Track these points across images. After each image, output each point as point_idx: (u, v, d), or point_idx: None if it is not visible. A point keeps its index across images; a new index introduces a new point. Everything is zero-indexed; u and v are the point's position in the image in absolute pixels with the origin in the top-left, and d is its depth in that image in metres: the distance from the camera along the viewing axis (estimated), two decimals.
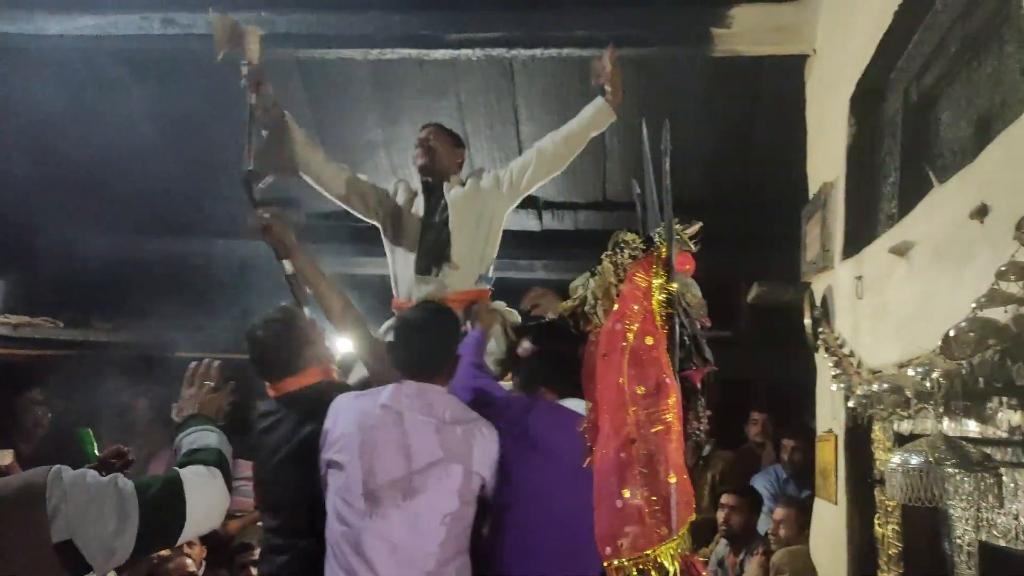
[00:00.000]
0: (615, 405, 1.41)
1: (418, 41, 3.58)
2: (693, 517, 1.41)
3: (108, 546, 1.46)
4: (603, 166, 4.75)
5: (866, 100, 2.94)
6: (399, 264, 2.95)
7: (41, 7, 3.62)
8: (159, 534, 1.58)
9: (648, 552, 1.35)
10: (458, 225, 2.88)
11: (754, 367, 4.90)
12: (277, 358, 2.29)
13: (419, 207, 2.97)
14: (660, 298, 1.50)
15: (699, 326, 1.61)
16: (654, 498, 1.36)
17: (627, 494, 1.36)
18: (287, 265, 2.58)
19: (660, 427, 1.38)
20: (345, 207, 2.97)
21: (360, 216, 3.00)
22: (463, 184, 3.01)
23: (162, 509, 1.57)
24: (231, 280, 5.03)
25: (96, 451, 1.91)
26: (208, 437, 1.84)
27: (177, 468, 1.68)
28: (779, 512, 3.53)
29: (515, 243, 5.27)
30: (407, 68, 4.20)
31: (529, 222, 5.20)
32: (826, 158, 3.27)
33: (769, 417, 4.53)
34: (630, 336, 1.44)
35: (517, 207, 5.09)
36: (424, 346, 2.22)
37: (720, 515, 3.73)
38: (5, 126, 4.34)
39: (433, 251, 2.87)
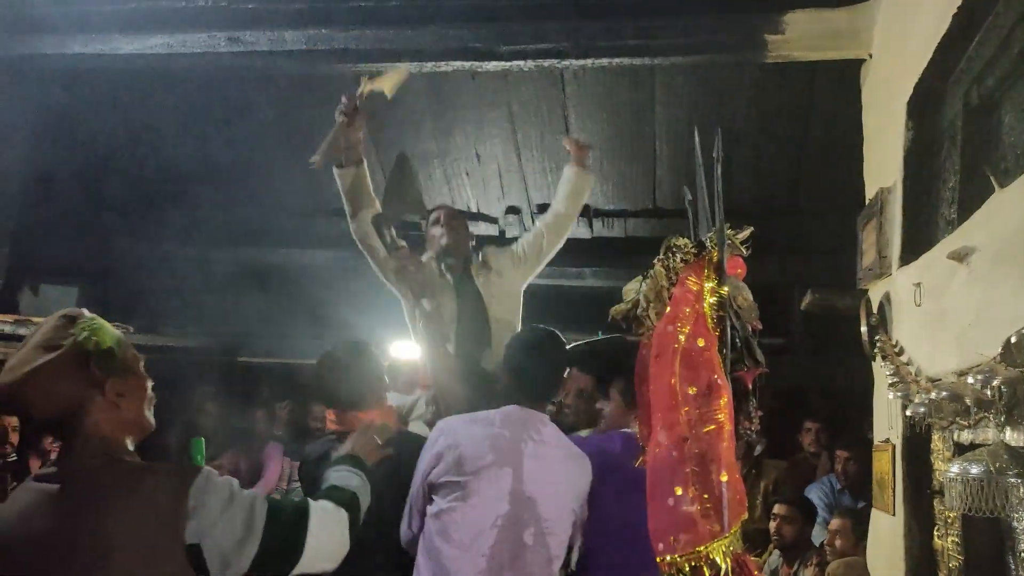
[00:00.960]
0: (667, 405, 1.44)
1: (470, 54, 3.64)
2: (745, 516, 1.43)
3: (228, 558, 1.47)
4: (653, 173, 4.76)
5: (924, 104, 2.89)
6: (428, 340, 3.03)
7: (114, 28, 3.81)
8: (276, 558, 1.56)
9: (700, 548, 1.37)
10: (495, 313, 3.04)
11: (808, 375, 4.83)
12: (351, 390, 2.35)
13: (447, 290, 3.07)
14: (711, 301, 1.52)
15: (750, 329, 1.62)
16: (706, 496, 1.38)
17: (679, 492, 1.38)
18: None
19: (712, 427, 1.40)
20: (378, 269, 3.13)
21: (379, 272, 3.13)
22: (486, 267, 3.15)
23: (285, 535, 1.56)
24: (296, 289, 5.19)
25: (203, 460, 2.00)
26: (352, 480, 1.84)
27: (310, 499, 1.69)
28: (835, 522, 3.47)
29: (565, 251, 5.31)
30: (460, 80, 4.29)
31: (580, 230, 5.23)
32: (883, 163, 3.22)
33: (823, 426, 4.45)
34: (682, 338, 1.47)
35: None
36: (541, 371, 2.26)
37: (773, 525, 3.70)
38: (84, 141, 4.57)
39: (473, 337, 2.99)
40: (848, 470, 3.97)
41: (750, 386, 1.60)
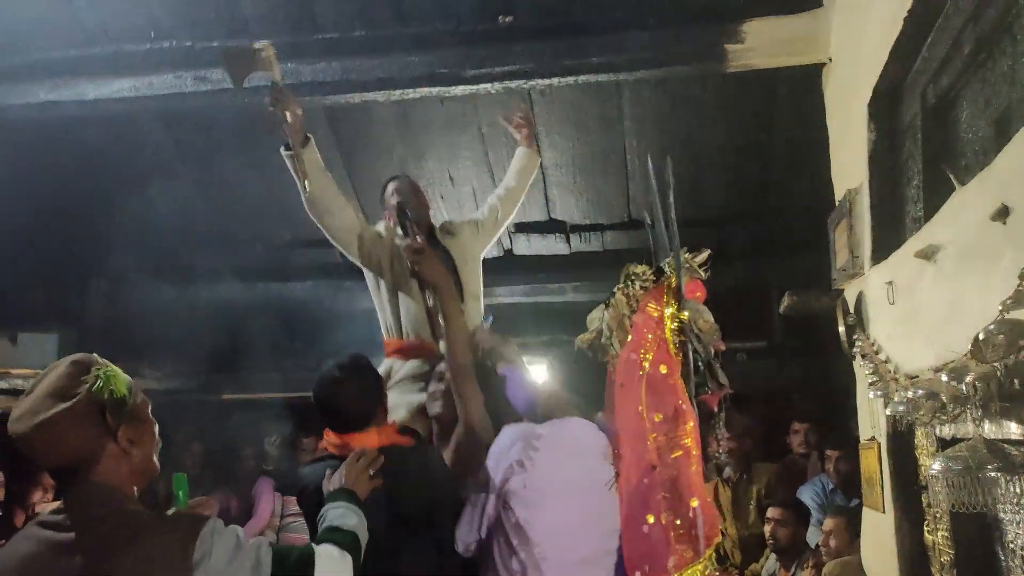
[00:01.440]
0: (635, 433, 1.45)
1: (437, 79, 3.67)
2: (719, 539, 1.44)
3: None
4: (626, 186, 4.80)
5: (884, 105, 2.95)
6: (403, 305, 3.06)
7: (80, 74, 3.80)
8: None
9: (675, 575, 1.38)
10: (463, 269, 3.16)
11: (792, 377, 4.86)
12: (358, 408, 2.29)
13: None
14: (672, 326, 1.53)
15: (713, 351, 1.64)
16: (678, 522, 1.39)
17: (651, 519, 1.39)
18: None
19: (679, 452, 1.41)
20: (339, 245, 3.11)
21: (350, 255, 3.12)
22: (449, 233, 3.28)
23: None
24: (278, 322, 5.17)
25: (186, 498, 1.97)
26: (351, 518, 1.84)
27: (314, 544, 1.69)
28: (829, 522, 3.48)
29: (545, 267, 5.35)
30: (428, 106, 4.32)
31: (558, 246, 5.25)
32: (849, 164, 3.27)
33: (811, 427, 4.48)
34: (646, 365, 1.48)
35: (546, 232, 5.17)
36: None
37: (767, 529, 3.70)
38: (56, 188, 4.55)
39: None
40: (840, 469, 3.99)
41: (715, 408, 1.61)
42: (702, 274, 1.74)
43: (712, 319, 1.69)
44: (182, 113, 4.19)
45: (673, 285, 1.62)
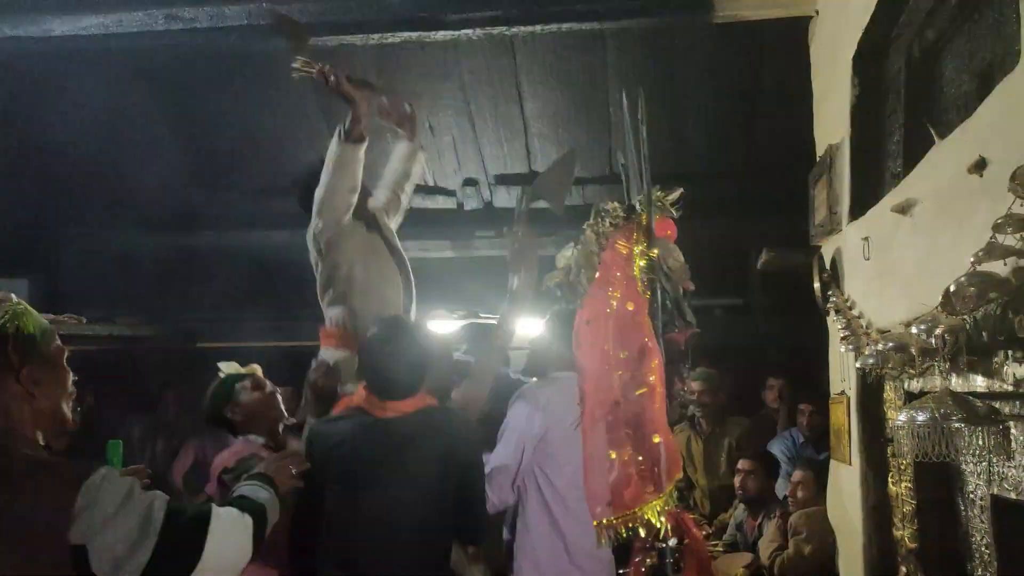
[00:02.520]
0: (601, 370, 1.45)
1: (418, 24, 3.58)
2: (680, 475, 1.45)
3: (119, 561, 1.40)
4: (609, 139, 4.75)
5: (868, 59, 2.91)
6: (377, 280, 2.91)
7: (47, 9, 3.66)
8: (172, 562, 1.48)
9: (636, 510, 1.39)
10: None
11: (768, 333, 4.91)
12: (406, 380, 2.26)
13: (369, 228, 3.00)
14: (641, 264, 1.52)
15: (682, 290, 1.63)
16: (640, 458, 1.39)
17: (613, 455, 1.39)
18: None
19: (644, 389, 1.41)
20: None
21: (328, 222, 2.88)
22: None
23: (184, 538, 1.50)
24: (253, 271, 5.11)
25: (120, 465, 1.93)
26: (261, 494, 1.79)
27: (213, 505, 1.64)
28: (797, 475, 3.56)
29: (528, 221, 5.30)
30: (409, 52, 4.21)
31: (539, 200, 5.20)
32: (831, 120, 3.25)
33: (785, 382, 4.54)
34: (613, 303, 1.47)
35: (527, 184, 5.12)
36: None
37: (737, 480, 3.78)
38: (20, 129, 4.42)
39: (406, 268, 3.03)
40: (813, 423, 4.06)
41: (682, 347, 1.62)
42: (674, 212, 1.72)
43: (682, 258, 1.68)
44: (153, 52, 4.05)
45: (643, 222, 1.61)
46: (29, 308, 1.51)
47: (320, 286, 2.88)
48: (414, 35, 3.67)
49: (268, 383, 2.68)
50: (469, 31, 3.63)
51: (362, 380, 2.34)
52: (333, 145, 2.77)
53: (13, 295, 1.52)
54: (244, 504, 1.70)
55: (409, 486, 2.19)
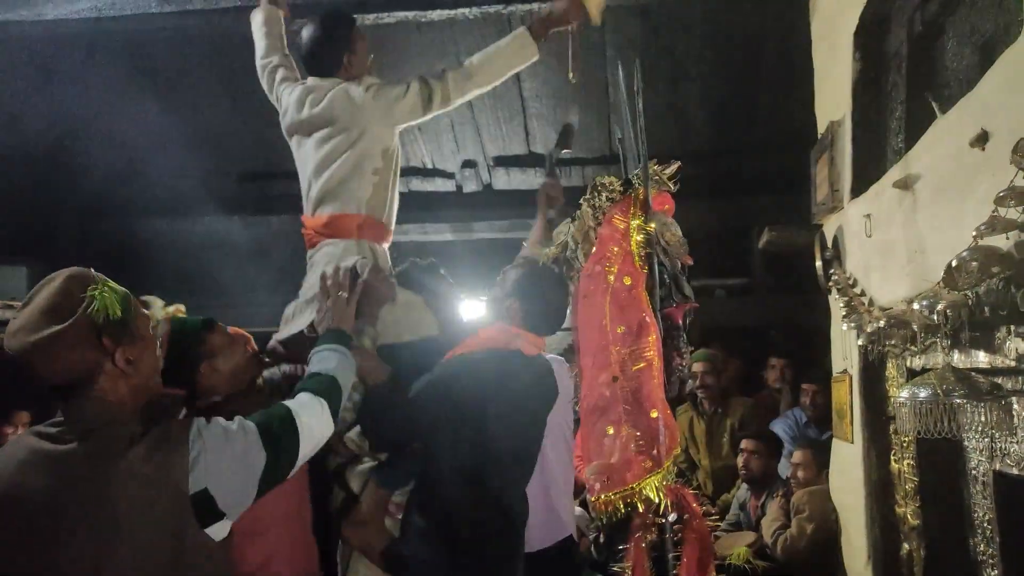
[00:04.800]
0: (598, 345, 1.43)
1: (414, 3, 3.54)
2: (678, 450, 1.44)
3: (238, 492, 1.49)
4: (608, 119, 4.71)
5: (870, 34, 2.87)
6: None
7: None
8: (278, 473, 1.57)
9: (634, 486, 1.38)
10: None
11: (771, 313, 4.89)
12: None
13: None
14: (638, 238, 1.50)
15: (680, 264, 1.61)
16: (638, 433, 1.38)
17: (611, 431, 1.38)
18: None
19: (642, 364, 1.40)
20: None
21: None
22: None
23: (282, 447, 1.57)
24: (250, 257, 5.10)
25: None
26: (329, 360, 1.83)
27: (286, 403, 1.67)
28: (798, 454, 3.55)
29: (525, 202, 5.27)
30: (405, 31, 4.17)
31: (537, 180, 5.16)
32: (833, 96, 3.22)
33: (788, 362, 4.52)
34: (611, 278, 1.45)
35: (526, 165, 5.09)
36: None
37: (740, 460, 3.77)
38: (14, 114, 4.39)
39: None
40: (816, 402, 4.04)
41: (680, 321, 1.60)
42: (671, 187, 1.70)
43: (680, 232, 1.65)
44: (146, 35, 4.01)
45: (640, 196, 1.58)
46: (112, 285, 1.49)
47: (345, 162, 2.40)
48: (410, 14, 3.62)
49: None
50: (465, 10, 3.59)
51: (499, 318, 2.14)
52: (516, 47, 2.52)
53: (93, 271, 1.50)
54: (314, 385, 1.75)
55: (544, 423, 2.09)
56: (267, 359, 2.34)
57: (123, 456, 1.41)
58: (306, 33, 2.54)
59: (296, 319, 2.33)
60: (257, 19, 2.80)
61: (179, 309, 2.51)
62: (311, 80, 2.53)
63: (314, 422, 1.67)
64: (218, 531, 1.47)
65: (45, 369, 1.43)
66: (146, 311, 1.61)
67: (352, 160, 2.37)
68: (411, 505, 2.09)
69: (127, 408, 1.49)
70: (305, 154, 2.48)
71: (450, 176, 5.27)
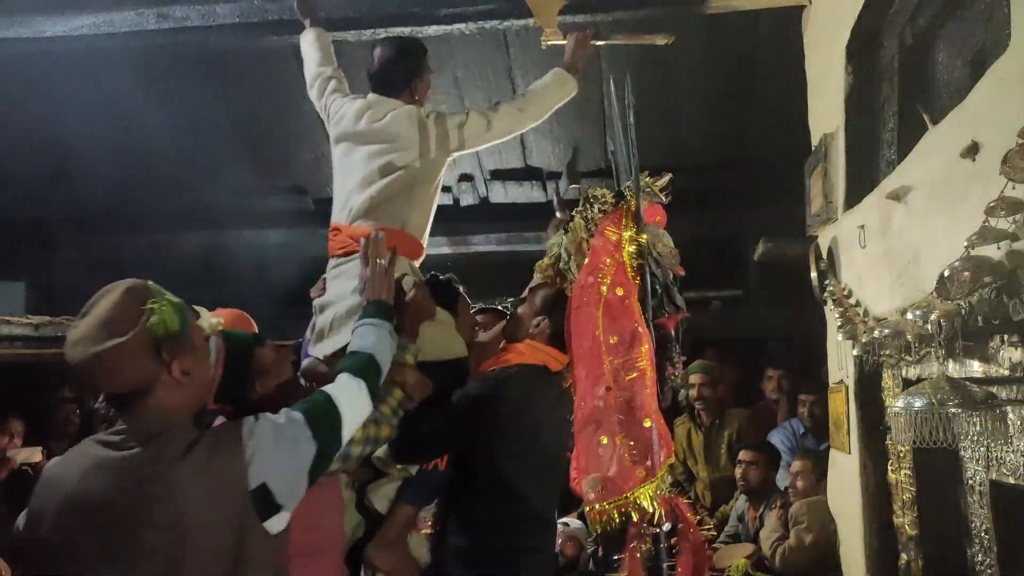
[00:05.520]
0: (591, 356, 1.45)
1: (410, 19, 3.57)
2: (672, 460, 1.44)
3: (293, 483, 1.52)
4: (603, 133, 4.74)
5: (862, 47, 2.91)
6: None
7: (38, 10, 3.65)
8: (326, 460, 1.60)
9: (627, 495, 1.39)
10: None
11: (767, 324, 4.90)
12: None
13: None
14: (630, 249, 1.52)
15: (671, 275, 1.63)
16: (632, 443, 1.39)
17: (605, 440, 1.39)
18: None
19: (634, 374, 1.41)
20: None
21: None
22: None
23: (328, 433, 1.61)
24: (245, 271, 5.10)
25: None
26: (367, 336, 1.86)
27: (325, 389, 1.70)
28: (796, 464, 3.55)
29: (521, 215, 5.31)
30: None
31: (535, 193, 5.21)
32: (826, 109, 3.25)
33: (785, 373, 4.53)
34: (603, 289, 1.47)
35: (522, 179, 5.12)
36: None
37: (738, 471, 3.77)
38: (17, 130, 4.41)
39: None
40: (814, 413, 4.04)
41: (672, 332, 1.61)
42: (662, 198, 1.72)
43: (672, 243, 1.67)
44: (144, 53, 4.04)
45: (632, 208, 1.60)
46: (170, 298, 1.53)
47: (396, 180, 2.43)
48: (407, 30, 3.65)
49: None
50: (462, 25, 3.62)
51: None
52: (559, 83, 2.69)
53: (151, 284, 1.53)
54: (353, 363, 1.78)
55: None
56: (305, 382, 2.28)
57: (185, 459, 1.44)
58: (379, 53, 2.65)
59: (337, 333, 2.34)
60: (309, 37, 2.95)
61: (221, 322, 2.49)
62: (372, 96, 2.60)
63: (355, 404, 1.70)
64: (276, 524, 1.50)
65: (105, 380, 1.47)
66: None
67: (404, 179, 2.43)
68: (445, 525, 2.09)
69: (183, 415, 1.53)
70: (352, 163, 2.53)
71: (447, 189, 5.30)
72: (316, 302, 2.52)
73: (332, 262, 2.50)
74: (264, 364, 1.98)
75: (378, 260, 2.03)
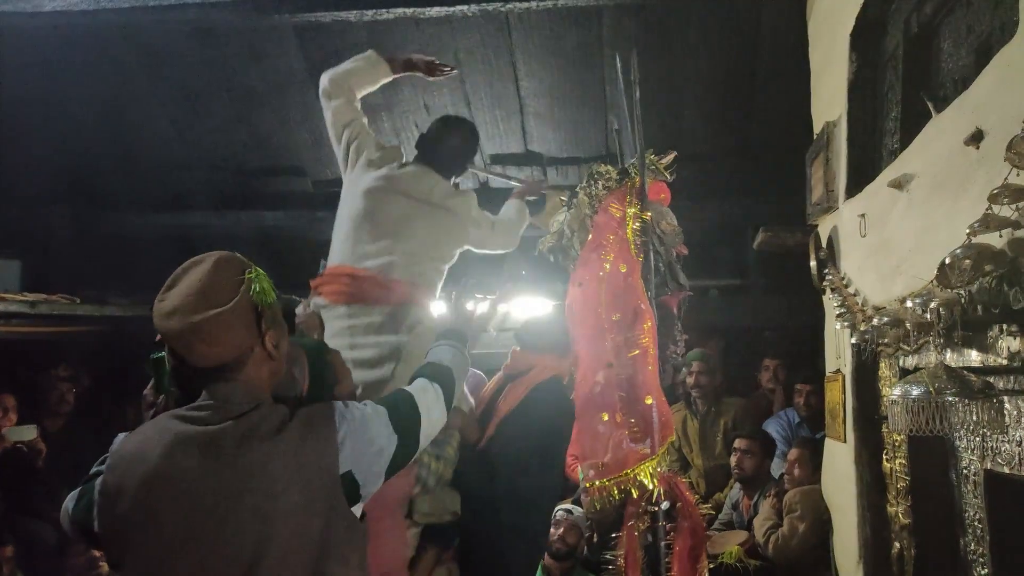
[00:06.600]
0: (594, 333, 1.44)
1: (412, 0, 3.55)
2: (673, 438, 1.44)
3: (374, 475, 1.51)
4: (604, 118, 4.71)
5: (866, 35, 2.89)
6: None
7: None
8: (405, 458, 1.58)
9: (628, 472, 1.38)
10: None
11: (765, 314, 4.89)
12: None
13: None
14: (634, 227, 1.51)
15: (675, 253, 1.62)
16: (632, 420, 1.38)
17: (606, 417, 1.38)
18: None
19: (637, 351, 1.40)
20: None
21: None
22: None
23: (409, 429, 1.59)
24: (247, 251, 5.07)
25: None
26: (447, 353, 1.87)
27: (410, 390, 1.70)
28: (793, 452, 3.56)
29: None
30: (404, 28, 4.17)
31: (535, 178, 5.17)
32: (829, 97, 3.23)
33: (782, 363, 4.53)
34: (607, 265, 1.46)
35: (522, 164, 5.09)
36: None
37: (733, 459, 3.78)
38: (12, 106, 4.37)
39: None
40: (810, 403, 4.05)
41: (675, 310, 1.60)
42: (667, 176, 1.70)
43: (675, 222, 1.66)
44: (144, 29, 4.01)
45: (637, 185, 1.59)
46: (259, 270, 1.50)
47: (440, 246, 2.62)
48: (408, 11, 3.63)
49: None
50: (464, 7, 3.60)
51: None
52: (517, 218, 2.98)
53: (239, 255, 1.52)
54: (430, 372, 1.78)
55: None
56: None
57: (278, 437, 1.42)
58: (444, 130, 2.72)
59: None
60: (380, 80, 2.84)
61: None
62: (431, 169, 2.67)
63: (433, 408, 1.69)
64: (356, 513, 1.49)
65: (202, 351, 1.42)
66: None
67: (447, 250, 2.63)
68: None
69: (267, 391, 1.51)
70: (387, 213, 2.54)
71: None
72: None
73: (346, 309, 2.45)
74: (340, 371, 1.96)
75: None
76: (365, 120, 2.76)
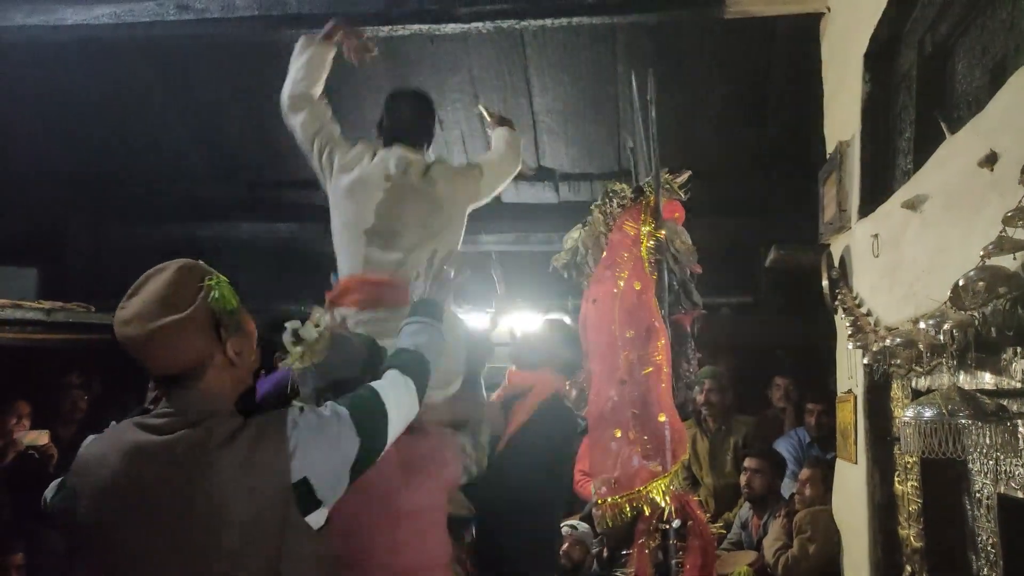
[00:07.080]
0: (607, 350, 1.44)
1: (427, 16, 3.57)
2: (686, 456, 1.44)
3: (334, 479, 1.49)
4: (617, 135, 4.73)
5: (880, 55, 2.89)
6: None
7: None
8: (369, 458, 1.56)
9: (640, 489, 1.38)
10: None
11: (776, 332, 4.88)
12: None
13: None
14: (649, 245, 1.51)
15: (689, 272, 1.62)
16: (645, 437, 1.38)
17: (619, 434, 1.38)
18: None
19: (650, 369, 1.40)
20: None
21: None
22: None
23: (374, 430, 1.57)
24: (256, 263, 5.11)
25: None
26: (420, 335, 1.82)
27: (373, 384, 1.66)
28: (806, 472, 3.54)
29: (533, 216, 5.30)
30: (419, 44, 4.21)
31: (546, 194, 5.20)
32: (842, 117, 3.23)
33: (793, 382, 4.51)
34: (620, 283, 1.46)
35: (535, 180, 5.11)
36: None
37: (743, 478, 3.76)
38: (32, 118, 4.44)
39: None
40: (821, 422, 4.02)
41: (688, 328, 1.61)
42: (681, 195, 1.71)
43: (690, 240, 1.67)
44: (163, 43, 4.07)
45: (651, 203, 1.60)
46: (223, 278, 1.51)
47: (443, 240, 2.60)
48: (424, 28, 3.66)
49: None
50: (479, 24, 3.62)
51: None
52: (510, 140, 2.98)
53: (202, 263, 1.52)
54: (402, 361, 1.73)
55: None
56: None
57: (228, 446, 1.42)
58: (404, 105, 2.70)
59: None
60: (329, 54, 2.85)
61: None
62: (399, 148, 2.61)
63: (402, 402, 1.65)
64: (316, 519, 1.48)
65: (160, 358, 1.44)
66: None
67: (448, 223, 2.62)
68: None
69: (229, 401, 1.51)
70: (374, 211, 2.50)
71: None
72: None
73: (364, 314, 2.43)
74: None
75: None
76: (336, 128, 2.75)
